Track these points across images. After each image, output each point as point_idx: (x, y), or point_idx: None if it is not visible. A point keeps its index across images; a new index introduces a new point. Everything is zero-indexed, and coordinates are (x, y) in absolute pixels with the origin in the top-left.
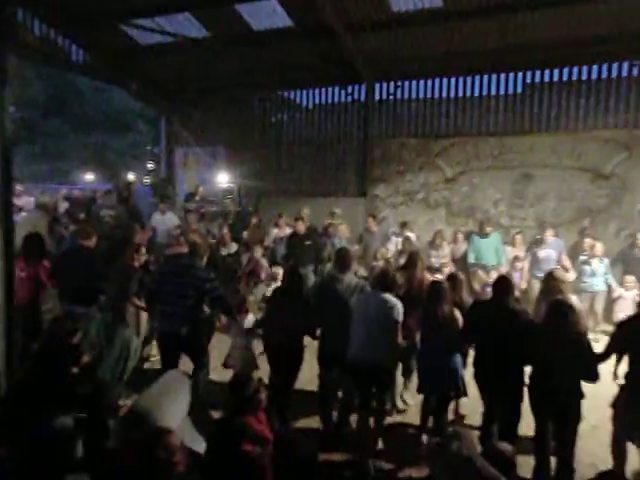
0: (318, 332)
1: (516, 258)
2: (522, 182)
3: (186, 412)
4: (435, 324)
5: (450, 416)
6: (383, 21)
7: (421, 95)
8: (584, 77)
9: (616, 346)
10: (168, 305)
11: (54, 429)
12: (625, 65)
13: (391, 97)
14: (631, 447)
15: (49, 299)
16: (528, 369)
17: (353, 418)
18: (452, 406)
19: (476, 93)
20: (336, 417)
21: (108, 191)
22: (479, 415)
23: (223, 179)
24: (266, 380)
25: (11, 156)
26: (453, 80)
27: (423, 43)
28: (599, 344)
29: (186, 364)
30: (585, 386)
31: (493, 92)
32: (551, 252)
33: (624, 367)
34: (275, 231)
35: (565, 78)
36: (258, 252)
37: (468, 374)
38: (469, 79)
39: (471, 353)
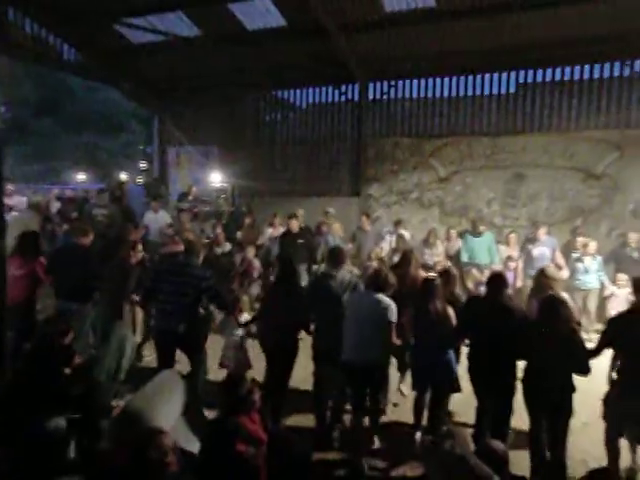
0: (312, 328)
1: (510, 258)
2: (515, 182)
3: (180, 412)
4: (428, 321)
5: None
6: (376, 21)
7: (414, 95)
8: (576, 77)
9: (607, 341)
10: (165, 304)
11: (47, 430)
12: (617, 65)
13: (384, 97)
14: (624, 443)
15: (43, 298)
16: (522, 364)
17: (347, 417)
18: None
19: (469, 93)
20: (330, 416)
21: (101, 190)
22: (472, 412)
23: (216, 179)
24: (260, 380)
25: (2, 156)
26: (446, 80)
27: (416, 43)
28: (592, 344)
29: (181, 364)
30: (576, 383)
31: (486, 92)
32: (545, 250)
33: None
34: (270, 230)
35: (557, 78)
36: (250, 252)
37: (461, 370)
38: (462, 79)
39: (464, 350)
